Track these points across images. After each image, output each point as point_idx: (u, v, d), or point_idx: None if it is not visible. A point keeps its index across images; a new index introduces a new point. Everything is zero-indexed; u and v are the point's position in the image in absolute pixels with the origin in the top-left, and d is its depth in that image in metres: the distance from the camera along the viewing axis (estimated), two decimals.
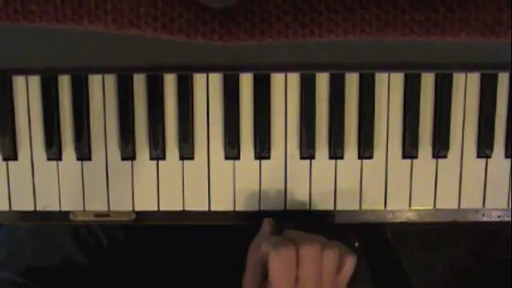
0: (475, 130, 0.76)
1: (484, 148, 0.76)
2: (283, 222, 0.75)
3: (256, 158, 0.76)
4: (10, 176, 0.75)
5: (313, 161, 0.76)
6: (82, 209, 0.76)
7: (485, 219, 0.78)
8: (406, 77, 0.75)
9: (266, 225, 0.74)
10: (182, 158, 0.76)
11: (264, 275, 0.69)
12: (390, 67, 0.73)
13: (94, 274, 0.93)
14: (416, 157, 0.76)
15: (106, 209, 0.76)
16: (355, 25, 0.65)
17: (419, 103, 0.75)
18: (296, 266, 0.68)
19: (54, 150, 0.75)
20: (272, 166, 0.76)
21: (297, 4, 0.65)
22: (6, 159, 0.75)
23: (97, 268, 0.94)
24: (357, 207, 0.77)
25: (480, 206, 0.78)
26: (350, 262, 0.72)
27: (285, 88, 0.75)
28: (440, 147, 0.76)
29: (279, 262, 0.68)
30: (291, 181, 0.76)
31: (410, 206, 0.77)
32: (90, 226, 0.88)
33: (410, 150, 0.76)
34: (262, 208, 0.77)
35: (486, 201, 0.77)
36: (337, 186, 0.77)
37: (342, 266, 0.72)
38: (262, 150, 0.75)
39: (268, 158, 0.76)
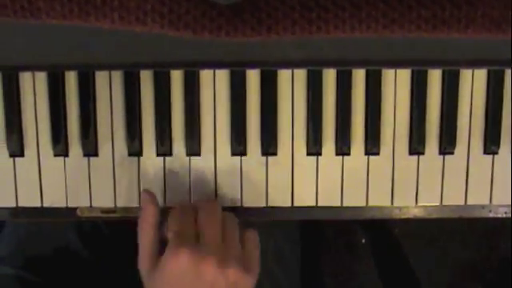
0: (482, 127, 0.76)
1: (491, 144, 0.76)
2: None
3: (263, 154, 0.76)
4: (16, 172, 0.76)
5: (319, 157, 0.76)
6: (88, 205, 0.76)
7: (491, 215, 0.78)
8: (413, 73, 0.74)
9: (147, 201, 0.72)
10: (189, 154, 0.76)
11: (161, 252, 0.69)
12: (396, 64, 0.73)
13: (97, 268, 0.94)
14: (423, 153, 0.76)
15: (112, 205, 0.76)
16: (362, 21, 0.65)
17: (426, 100, 0.75)
18: (195, 224, 0.69)
19: (60, 146, 0.75)
20: (279, 162, 0.76)
21: (303, 0, 0.65)
22: (12, 156, 0.75)
23: (100, 262, 0.94)
24: (363, 203, 0.77)
25: (487, 202, 0.78)
26: (251, 235, 0.72)
27: (291, 84, 0.75)
28: (447, 144, 0.76)
29: (175, 215, 0.70)
30: (298, 177, 0.77)
31: (416, 202, 0.77)
32: (95, 221, 0.88)
33: (416, 147, 0.76)
34: (269, 204, 0.77)
35: (493, 197, 0.77)
36: (343, 182, 0.77)
37: (244, 241, 0.72)
38: (269, 146, 0.75)
39: (275, 154, 0.76)
